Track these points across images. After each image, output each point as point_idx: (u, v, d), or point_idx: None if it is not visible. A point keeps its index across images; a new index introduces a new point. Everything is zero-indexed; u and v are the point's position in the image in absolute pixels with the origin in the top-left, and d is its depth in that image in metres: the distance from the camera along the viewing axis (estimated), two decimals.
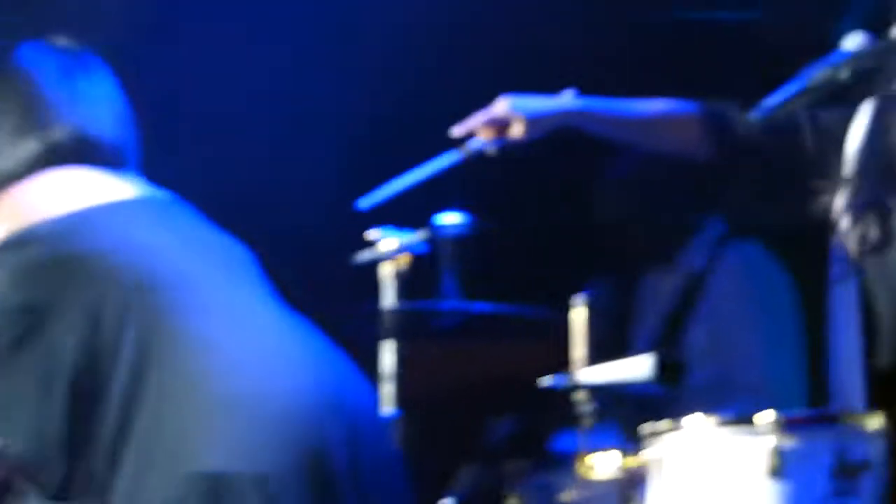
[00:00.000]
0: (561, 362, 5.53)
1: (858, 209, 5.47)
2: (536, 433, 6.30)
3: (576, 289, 5.73)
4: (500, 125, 5.54)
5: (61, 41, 5.25)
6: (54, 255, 4.66)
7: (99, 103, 5.11)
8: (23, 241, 4.70)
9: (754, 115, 5.08)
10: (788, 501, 4.75)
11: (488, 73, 8.12)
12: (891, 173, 5.50)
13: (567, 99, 5.60)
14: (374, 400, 5.07)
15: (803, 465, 4.74)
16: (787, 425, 4.76)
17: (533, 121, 5.51)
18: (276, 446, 4.51)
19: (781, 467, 4.71)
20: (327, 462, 4.57)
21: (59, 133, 4.96)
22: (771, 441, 4.70)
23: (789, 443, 4.72)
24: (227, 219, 5.26)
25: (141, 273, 4.60)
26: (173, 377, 4.50)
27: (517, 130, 5.51)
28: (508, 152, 5.61)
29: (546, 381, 5.42)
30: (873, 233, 5.43)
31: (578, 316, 5.66)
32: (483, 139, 5.59)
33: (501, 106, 5.52)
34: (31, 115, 5.00)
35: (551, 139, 5.71)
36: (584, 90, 5.70)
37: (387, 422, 5.36)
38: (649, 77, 8.19)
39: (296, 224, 8.21)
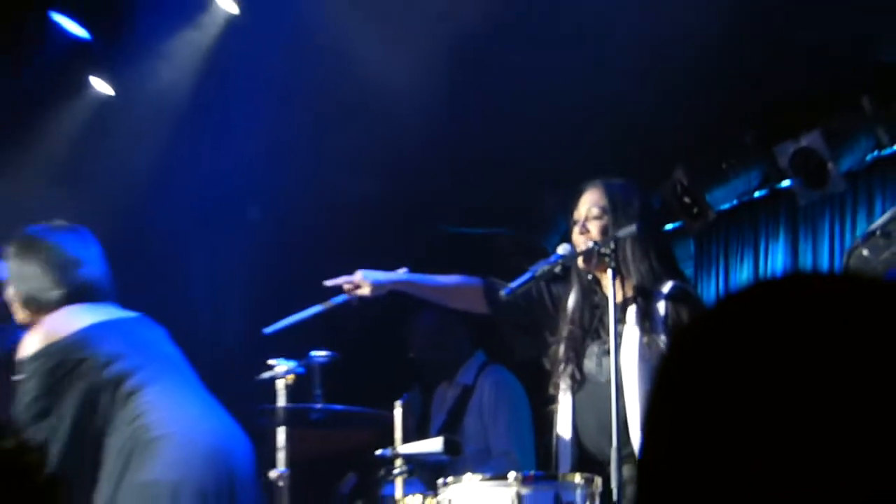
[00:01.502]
0: (387, 441, 5.73)
1: (568, 353, 5.87)
2: (372, 484, 6.46)
3: (397, 395, 5.90)
4: (356, 286, 6.00)
5: (61, 223, 5.93)
6: (65, 360, 5.51)
7: (93, 260, 5.83)
8: (47, 352, 5.52)
9: (505, 291, 5.60)
10: None
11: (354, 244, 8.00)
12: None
13: (400, 273, 6.08)
14: (250, 451, 5.69)
15: (539, 502, 5.02)
16: (525, 480, 5.01)
17: (376, 286, 5.99)
18: (202, 464, 5.43)
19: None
20: (230, 478, 5.48)
21: (75, 283, 5.72)
22: (515, 490, 4.95)
23: (526, 491, 4.97)
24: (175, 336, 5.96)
25: (116, 367, 5.55)
26: (130, 424, 5.41)
27: (366, 291, 5.98)
28: (361, 305, 6.09)
29: (378, 452, 5.67)
30: (576, 371, 5.84)
31: (398, 412, 5.84)
32: (345, 294, 6.05)
33: (357, 275, 5.99)
34: (59, 272, 5.71)
35: (388, 298, 6.13)
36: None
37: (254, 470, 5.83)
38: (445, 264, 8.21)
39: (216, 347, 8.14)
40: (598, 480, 5.17)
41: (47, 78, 8.21)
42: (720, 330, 1.31)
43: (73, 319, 5.67)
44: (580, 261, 5.72)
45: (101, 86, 8.43)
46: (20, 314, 5.82)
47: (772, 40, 6.97)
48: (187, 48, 8.11)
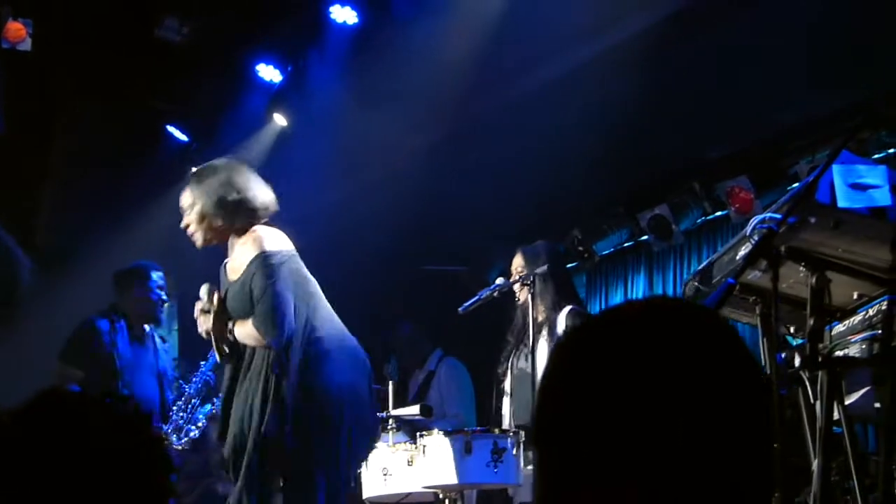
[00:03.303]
0: (382, 407, 5.36)
1: (508, 353, 5.80)
2: None
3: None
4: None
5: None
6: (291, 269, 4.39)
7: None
8: (273, 254, 4.39)
9: (461, 309, 5.42)
10: (472, 468, 4.95)
11: None
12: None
13: None
14: None
15: (482, 448, 4.95)
16: (473, 433, 5.01)
17: None
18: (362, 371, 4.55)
19: (471, 450, 4.94)
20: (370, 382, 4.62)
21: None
22: (467, 439, 4.93)
23: (474, 440, 4.94)
24: None
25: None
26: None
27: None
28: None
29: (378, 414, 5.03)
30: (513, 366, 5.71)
31: (390, 387, 5.66)
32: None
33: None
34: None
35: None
36: None
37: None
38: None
39: None
40: (522, 433, 5.14)
41: (162, 169, 8.16)
42: (594, 330, 1.29)
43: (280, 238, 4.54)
44: (516, 288, 5.65)
45: None
46: (208, 230, 4.56)
47: (634, 144, 6.91)
48: (257, 146, 8.06)
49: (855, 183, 2.79)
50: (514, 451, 5.07)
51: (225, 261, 4.66)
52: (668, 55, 6.22)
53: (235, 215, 4.52)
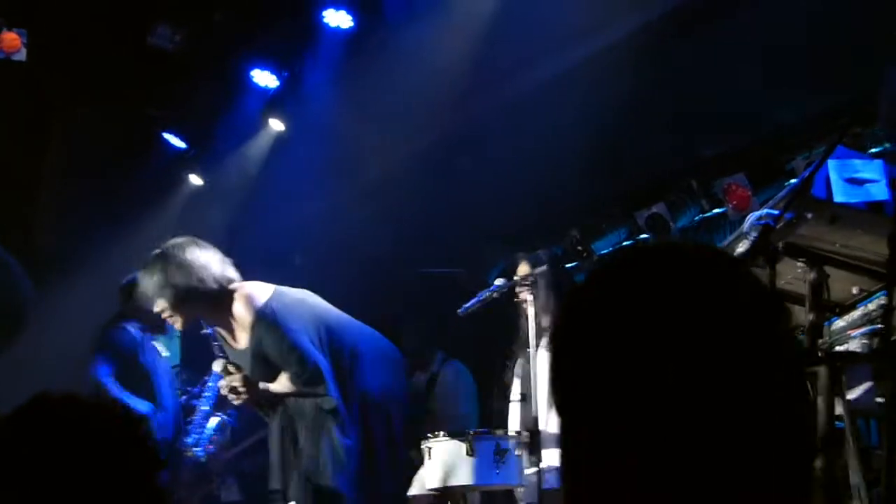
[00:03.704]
0: None
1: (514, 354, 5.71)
2: None
3: None
4: None
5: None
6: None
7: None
8: (266, 310, 4.46)
9: (460, 311, 5.36)
10: (475, 469, 4.95)
11: None
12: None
13: None
14: None
15: (485, 450, 4.96)
16: (475, 434, 5.02)
17: None
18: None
19: (473, 451, 4.95)
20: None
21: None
22: (470, 441, 4.94)
23: (477, 441, 4.95)
24: None
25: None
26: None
27: None
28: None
29: None
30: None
31: None
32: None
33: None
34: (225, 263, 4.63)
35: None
36: None
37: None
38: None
39: None
40: (526, 434, 5.09)
41: (159, 176, 8.18)
42: (595, 283, 1.17)
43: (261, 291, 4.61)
44: (520, 293, 5.57)
45: (195, 179, 8.49)
46: (188, 315, 4.63)
47: (631, 143, 6.91)
48: (254, 151, 8.09)
49: (851, 178, 2.80)
50: (517, 452, 5.06)
51: (214, 328, 4.65)
52: (663, 53, 6.22)
53: (209, 296, 4.53)
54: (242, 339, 4.54)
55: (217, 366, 4.58)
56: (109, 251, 8.04)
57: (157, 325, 6.10)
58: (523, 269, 5.65)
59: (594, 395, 1.10)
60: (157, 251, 4.70)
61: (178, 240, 4.75)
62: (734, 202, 6.83)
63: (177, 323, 4.61)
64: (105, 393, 5.82)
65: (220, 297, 4.55)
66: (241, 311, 4.49)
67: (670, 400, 1.06)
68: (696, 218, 7.44)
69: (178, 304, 4.54)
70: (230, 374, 4.55)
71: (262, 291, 4.54)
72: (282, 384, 4.54)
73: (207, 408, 5.91)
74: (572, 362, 1.14)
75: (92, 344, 6.08)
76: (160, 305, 4.60)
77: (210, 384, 5.80)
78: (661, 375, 1.07)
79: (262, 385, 4.57)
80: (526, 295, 5.51)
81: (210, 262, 4.59)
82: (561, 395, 1.15)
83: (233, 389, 4.55)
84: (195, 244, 4.68)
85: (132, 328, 6.11)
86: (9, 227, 5.95)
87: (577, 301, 1.18)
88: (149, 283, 4.57)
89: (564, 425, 1.15)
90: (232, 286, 4.58)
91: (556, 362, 1.17)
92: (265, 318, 4.43)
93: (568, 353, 1.15)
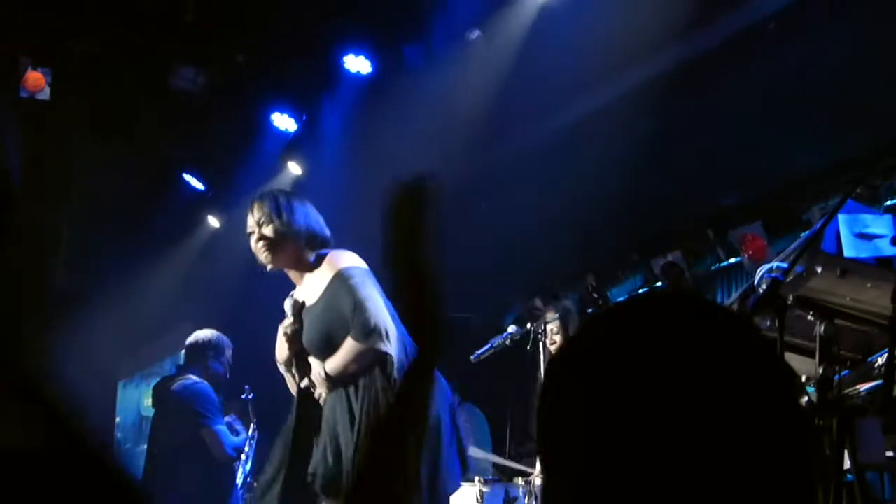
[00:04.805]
0: None
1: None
2: None
3: None
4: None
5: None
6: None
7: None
8: (348, 271, 4.27)
9: (473, 357, 5.41)
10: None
11: None
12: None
13: None
14: None
15: (494, 497, 4.99)
16: (485, 482, 5.03)
17: None
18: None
19: (484, 498, 4.98)
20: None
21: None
22: (479, 488, 4.96)
23: (486, 489, 4.98)
24: None
25: None
26: None
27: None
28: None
29: None
30: None
31: None
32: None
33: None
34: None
35: None
36: None
37: None
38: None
39: None
40: (536, 480, 5.04)
41: (179, 216, 8.24)
42: (582, 339, 1.14)
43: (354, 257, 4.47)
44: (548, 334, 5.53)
45: (213, 221, 8.54)
46: (286, 254, 4.43)
47: (648, 195, 6.96)
48: None
49: (861, 232, 2.81)
50: (526, 501, 5.05)
51: (291, 293, 4.51)
52: (681, 103, 6.26)
53: (314, 243, 4.45)
54: (312, 297, 4.39)
55: (288, 302, 4.43)
56: (130, 290, 8.09)
57: (217, 389, 6.19)
58: (550, 316, 5.63)
59: (576, 454, 1.06)
60: (282, 189, 4.64)
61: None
62: (750, 252, 6.85)
63: (268, 259, 4.41)
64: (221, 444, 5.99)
65: (314, 250, 4.46)
66: (324, 268, 4.37)
67: (657, 460, 1.01)
68: (713, 267, 7.45)
69: (279, 241, 4.39)
70: (297, 315, 4.41)
71: (356, 259, 4.44)
72: (344, 352, 4.25)
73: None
74: (556, 419, 1.10)
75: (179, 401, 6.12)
76: (267, 232, 4.40)
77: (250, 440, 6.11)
78: (647, 435, 1.02)
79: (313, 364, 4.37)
80: (557, 337, 5.51)
81: (321, 220, 4.54)
82: (544, 453, 1.12)
83: (288, 332, 4.39)
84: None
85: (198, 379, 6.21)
86: (29, 268, 5.97)
87: (561, 357, 1.15)
88: (265, 207, 4.42)
89: (548, 484, 1.12)
90: (325, 249, 4.49)
91: (540, 419, 1.13)
92: (344, 275, 4.30)
93: (552, 409, 1.12)
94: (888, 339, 2.94)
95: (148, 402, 10.84)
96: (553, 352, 5.45)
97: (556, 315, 5.65)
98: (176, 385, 6.15)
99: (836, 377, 3.02)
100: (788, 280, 2.80)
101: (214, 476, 6.03)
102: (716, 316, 1.11)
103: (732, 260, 7.30)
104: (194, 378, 6.14)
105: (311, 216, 4.47)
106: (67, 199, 8.19)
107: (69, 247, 8.29)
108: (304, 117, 7.49)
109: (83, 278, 8.38)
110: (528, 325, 5.58)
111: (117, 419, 11.34)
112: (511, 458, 5.99)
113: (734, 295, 3.43)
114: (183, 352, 6.43)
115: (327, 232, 4.51)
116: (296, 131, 7.61)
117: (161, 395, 6.27)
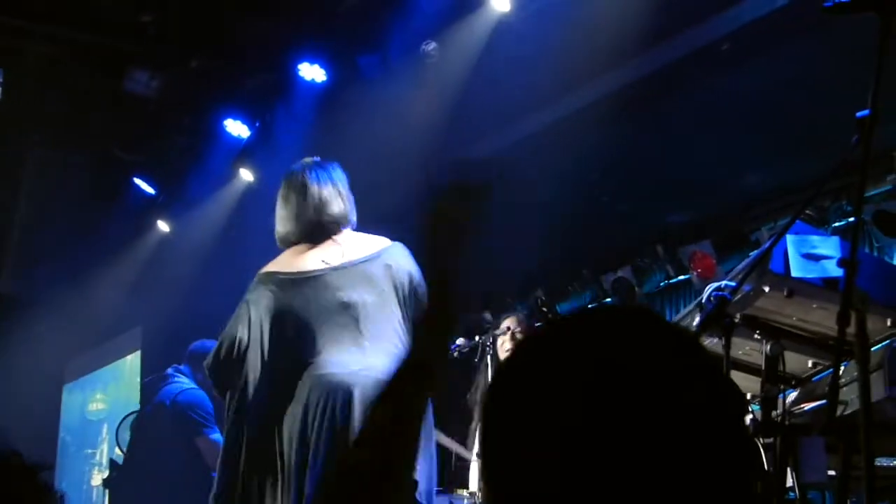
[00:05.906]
0: None
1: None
2: None
3: None
4: None
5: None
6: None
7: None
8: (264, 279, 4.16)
9: None
10: None
11: None
12: None
13: None
14: None
15: None
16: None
17: None
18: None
19: None
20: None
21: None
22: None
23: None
24: None
25: None
26: None
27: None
28: None
29: None
30: None
31: None
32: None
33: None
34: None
35: None
36: None
37: None
38: None
39: None
40: (480, 494, 4.99)
41: (129, 220, 8.16)
42: (520, 355, 1.14)
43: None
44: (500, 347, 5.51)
45: (163, 226, 8.47)
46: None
47: (599, 207, 6.98)
48: (217, 205, 8.09)
49: (808, 253, 2.82)
50: None
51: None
52: (633, 120, 6.28)
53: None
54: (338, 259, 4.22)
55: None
56: (77, 294, 7.99)
57: (210, 395, 6.07)
58: (512, 322, 5.61)
59: (515, 468, 1.05)
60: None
61: None
62: (699, 269, 6.90)
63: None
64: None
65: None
66: (370, 237, 4.31)
67: (596, 475, 1.00)
68: (662, 283, 7.50)
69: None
70: None
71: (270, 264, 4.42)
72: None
73: None
74: (497, 431, 1.09)
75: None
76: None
77: None
78: (587, 449, 1.01)
79: None
80: (506, 349, 5.46)
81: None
82: (485, 466, 1.10)
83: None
84: None
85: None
86: None
87: (506, 369, 1.14)
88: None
89: (487, 497, 1.09)
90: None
91: (482, 430, 1.12)
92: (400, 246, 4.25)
93: (494, 421, 1.11)
94: (832, 360, 3.04)
95: (93, 405, 10.84)
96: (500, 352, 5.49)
97: (506, 328, 5.61)
98: (172, 387, 6.06)
99: (781, 395, 3.08)
100: (736, 299, 2.81)
101: (201, 485, 5.92)
102: (664, 331, 1.10)
103: (682, 277, 7.33)
104: (190, 384, 6.07)
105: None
106: (16, 200, 8.14)
107: (17, 249, 8.21)
108: (258, 124, 7.42)
109: (31, 281, 8.25)
110: (477, 338, 5.56)
111: (62, 421, 11.21)
112: (454, 472, 5.98)
113: (682, 311, 3.42)
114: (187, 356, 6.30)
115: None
116: (249, 138, 7.55)
117: (155, 396, 6.14)
